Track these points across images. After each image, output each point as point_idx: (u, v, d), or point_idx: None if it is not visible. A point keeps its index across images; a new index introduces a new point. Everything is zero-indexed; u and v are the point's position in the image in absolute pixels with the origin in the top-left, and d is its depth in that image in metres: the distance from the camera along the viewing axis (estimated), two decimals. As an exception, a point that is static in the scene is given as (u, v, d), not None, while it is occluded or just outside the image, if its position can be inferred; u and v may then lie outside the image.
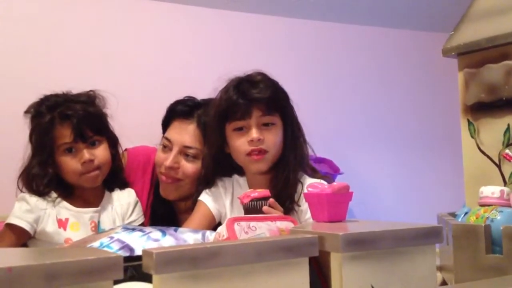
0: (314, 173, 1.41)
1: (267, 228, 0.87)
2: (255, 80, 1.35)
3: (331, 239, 0.71)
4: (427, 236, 0.76)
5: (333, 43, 2.30)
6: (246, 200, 1.21)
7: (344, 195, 0.86)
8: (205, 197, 1.38)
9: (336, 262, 0.71)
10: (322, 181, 1.30)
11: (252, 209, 1.22)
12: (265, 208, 1.18)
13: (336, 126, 2.23)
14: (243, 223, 0.85)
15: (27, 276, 0.54)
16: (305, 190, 0.90)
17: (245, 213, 1.18)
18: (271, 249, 0.67)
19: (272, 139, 1.32)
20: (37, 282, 0.55)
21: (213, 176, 1.39)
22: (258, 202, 1.20)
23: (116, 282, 0.62)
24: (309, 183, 0.90)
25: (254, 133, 1.30)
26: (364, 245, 0.72)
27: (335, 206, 0.85)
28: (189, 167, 1.45)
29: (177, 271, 0.61)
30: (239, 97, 1.32)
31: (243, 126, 1.32)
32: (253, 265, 0.66)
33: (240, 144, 1.32)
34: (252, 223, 0.86)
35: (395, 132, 2.35)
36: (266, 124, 1.33)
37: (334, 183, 0.87)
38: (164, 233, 1.07)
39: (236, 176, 1.40)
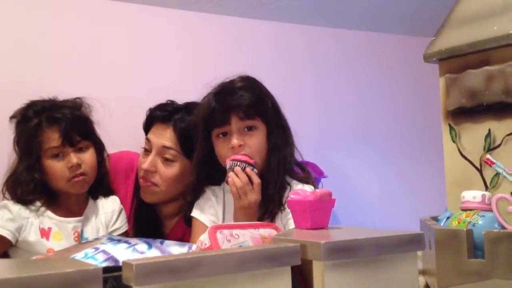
0: (306, 175, 1.41)
1: (250, 236, 0.86)
2: (235, 87, 1.35)
3: (313, 247, 0.71)
4: (409, 244, 0.76)
5: (322, 47, 2.31)
6: (228, 160, 1.28)
7: (327, 201, 0.86)
8: (197, 213, 1.36)
9: (318, 270, 0.71)
10: (306, 188, 1.30)
11: (229, 168, 1.28)
12: (236, 168, 1.25)
13: (322, 129, 2.24)
14: (226, 231, 0.84)
15: (4, 290, 0.54)
16: (289, 197, 0.90)
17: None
18: (253, 259, 0.67)
19: (254, 143, 1.32)
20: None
21: (201, 184, 1.38)
22: (237, 163, 1.26)
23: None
24: (292, 191, 0.90)
25: (235, 140, 1.30)
26: (346, 253, 0.72)
27: (318, 213, 0.85)
28: (166, 171, 1.45)
29: (158, 282, 0.61)
30: (217, 104, 1.33)
31: (225, 132, 1.32)
32: (235, 274, 0.66)
33: (223, 150, 1.32)
34: (235, 231, 0.85)
35: (381, 136, 2.36)
36: (248, 129, 1.33)
37: (317, 190, 0.87)
38: (150, 246, 1.06)
39: (225, 185, 1.39)
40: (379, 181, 2.33)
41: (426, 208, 1.43)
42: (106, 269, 0.73)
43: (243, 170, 1.26)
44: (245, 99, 1.32)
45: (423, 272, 1.32)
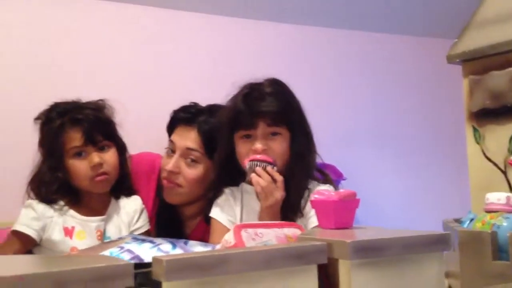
0: (325, 178, 1.41)
1: (274, 235, 0.87)
2: (264, 92, 1.35)
3: (339, 246, 0.71)
4: (435, 244, 0.76)
5: (342, 49, 2.31)
6: (247, 161, 1.28)
7: (351, 202, 0.87)
8: (216, 213, 1.37)
9: (344, 269, 0.71)
10: (330, 188, 1.31)
11: (249, 169, 1.29)
12: (257, 168, 1.26)
13: (342, 131, 2.23)
14: (250, 230, 0.85)
15: (38, 284, 0.55)
16: (312, 198, 0.90)
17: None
18: (280, 257, 0.67)
19: (277, 148, 1.32)
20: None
21: (221, 184, 1.39)
22: (257, 163, 1.27)
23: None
24: (316, 190, 0.90)
25: (258, 144, 1.30)
26: (372, 252, 0.72)
27: (342, 213, 0.85)
28: (190, 172, 1.46)
29: (187, 278, 0.62)
30: (246, 107, 1.32)
31: (250, 134, 1.33)
32: (261, 272, 0.66)
33: (244, 152, 1.32)
34: (259, 230, 0.86)
35: (401, 137, 2.35)
36: (273, 134, 1.33)
37: (341, 190, 0.87)
38: (174, 246, 1.07)
39: (244, 184, 1.39)
40: (397, 183, 2.31)
41: (448, 210, 1.41)
42: (135, 266, 0.74)
43: (264, 169, 1.27)
44: (274, 106, 1.32)
45: (446, 275, 1.31)
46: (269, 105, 1.32)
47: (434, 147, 2.37)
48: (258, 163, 1.27)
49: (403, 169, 2.34)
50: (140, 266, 0.74)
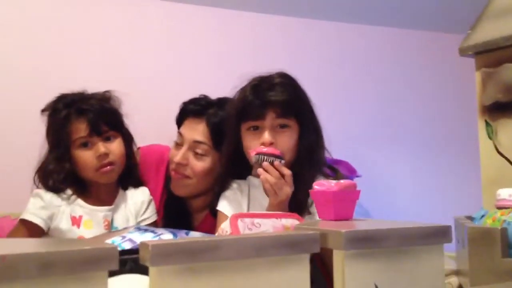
0: (335, 174, 1.39)
1: (272, 225, 0.85)
2: (273, 82, 1.33)
3: (334, 236, 0.70)
4: (434, 236, 0.74)
5: (355, 44, 2.29)
6: (253, 153, 1.24)
7: (351, 193, 0.85)
8: (223, 206, 1.34)
9: (338, 259, 0.70)
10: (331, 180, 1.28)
11: (256, 162, 1.25)
12: (265, 164, 1.21)
13: (354, 127, 2.21)
14: (247, 220, 0.84)
15: (20, 264, 0.54)
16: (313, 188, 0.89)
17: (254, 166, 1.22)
18: (272, 245, 0.66)
19: (285, 142, 1.29)
20: (31, 270, 0.55)
21: (228, 177, 1.38)
22: (264, 157, 1.23)
23: (114, 274, 0.62)
24: (316, 182, 0.89)
25: (266, 136, 1.28)
26: (368, 243, 0.70)
27: (341, 204, 0.84)
28: (197, 164, 1.46)
29: (174, 263, 0.61)
30: (255, 97, 1.30)
31: (258, 126, 1.31)
32: (253, 260, 0.65)
33: (251, 144, 1.30)
34: (257, 220, 0.84)
35: (413, 133, 2.33)
36: (281, 126, 1.31)
37: (341, 181, 0.86)
38: (175, 235, 1.06)
39: (251, 178, 1.38)
40: (411, 180, 2.29)
41: (462, 207, 1.39)
42: (126, 252, 0.74)
43: (271, 164, 1.24)
44: (283, 96, 1.30)
45: (456, 273, 1.28)
46: (278, 94, 1.30)
47: (451, 142, 2.34)
48: (265, 157, 1.23)
49: (419, 165, 2.32)
50: (131, 252, 0.74)
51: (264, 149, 1.25)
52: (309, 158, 1.32)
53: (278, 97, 1.29)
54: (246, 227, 0.82)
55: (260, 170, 1.23)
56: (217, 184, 1.38)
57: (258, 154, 1.24)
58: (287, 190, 1.23)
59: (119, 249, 0.64)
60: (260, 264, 0.66)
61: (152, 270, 0.60)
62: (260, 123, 1.30)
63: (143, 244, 0.60)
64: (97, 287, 0.58)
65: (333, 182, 0.86)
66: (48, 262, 0.56)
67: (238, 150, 1.35)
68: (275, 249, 0.66)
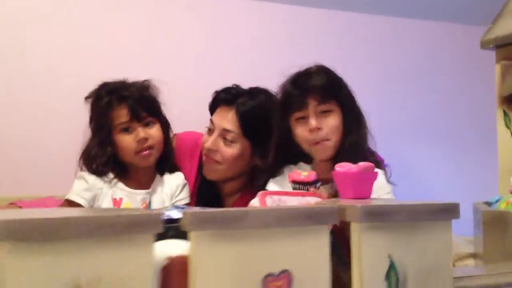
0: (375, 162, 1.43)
1: (297, 202, 0.94)
2: (309, 72, 1.41)
3: (351, 210, 0.77)
4: (442, 212, 0.81)
5: (383, 37, 2.32)
6: (289, 179, 1.23)
7: (369, 174, 0.92)
8: (271, 187, 1.41)
9: (355, 231, 0.77)
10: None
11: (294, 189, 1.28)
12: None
13: (382, 122, 2.25)
14: (275, 197, 0.92)
15: (75, 225, 0.64)
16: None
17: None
18: (292, 216, 0.74)
19: (331, 124, 1.36)
20: (84, 232, 0.63)
21: (279, 166, 1.44)
22: (299, 186, 1.21)
23: (159, 239, 0.72)
24: (337, 164, 0.96)
25: (313, 122, 1.35)
26: (381, 216, 0.78)
27: (361, 184, 0.91)
28: (227, 150, 1.54)
29: (209, 229, 0.70)
30: (294, 88, 1.39)
31: (303, 116, 1.38)
32: (275, 229, 0.73)
33: (302, 133, 1.38)
34: (283, 197, 0.93)
35: (443, 125, 2.35)
36: (324, 112, 1.37)
37: (360, 164, 0.93)
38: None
39: (301, 164, 1.44)
40: (440, 170, 2.32)
41: (488, 195, 1.42)
42: (168, 222, 0.84)
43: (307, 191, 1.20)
44: (321, 81, 1.37)
45: (474, 256, 1.34)
46: (315, 81, 1.37)
47: (480, 133, 2.35)
48: (301, 186, 1.20)
49: (449, 157, 2.34)
50: (174, 221, 0.83)
51: (300, 177, 1.20)
52: (354, 140, 1.38)
53: (315, 82, 1.38)
54: (274, 203, 0.90)
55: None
56: (267, 173, 1.44)
57: (293, 182, 1.21)
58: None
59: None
60: (281, 233, 0.74)
61: (191, 234, 0.69)
62: (304, 112, 1.37)
63: (185, 213, 0.70)
64: (145, 247, 0.67)
65: (352, 165, 0.94)
66: (103, 225, 0.65)
67: (288, 140, 1.41)
68: (294, 220, 0.74)
